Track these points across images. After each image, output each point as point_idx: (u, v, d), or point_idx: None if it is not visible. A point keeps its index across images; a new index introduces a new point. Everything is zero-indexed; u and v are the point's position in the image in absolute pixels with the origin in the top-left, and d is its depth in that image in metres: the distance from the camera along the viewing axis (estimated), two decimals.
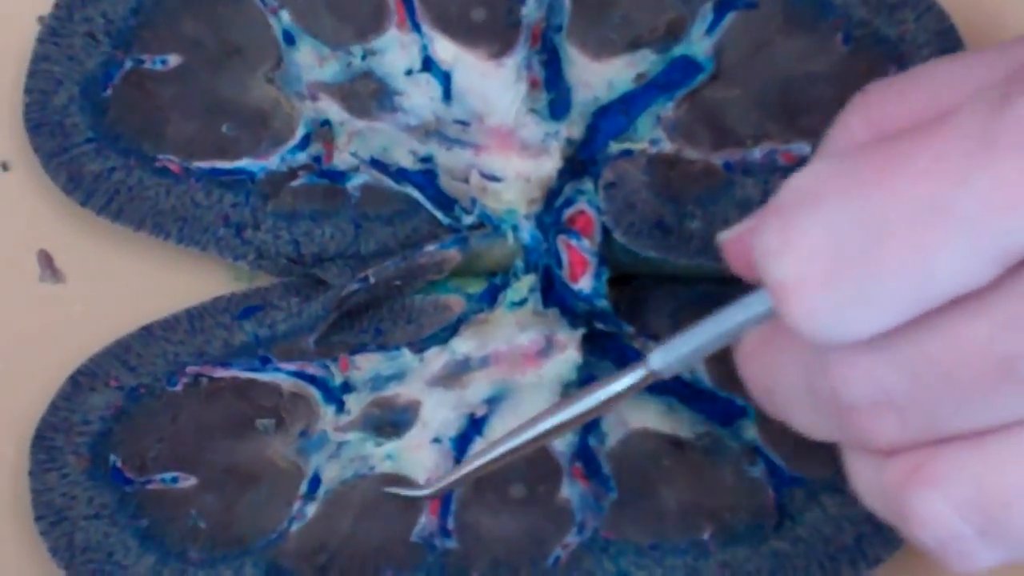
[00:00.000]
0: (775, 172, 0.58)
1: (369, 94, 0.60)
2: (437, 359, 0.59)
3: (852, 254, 0.39)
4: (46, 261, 0.62)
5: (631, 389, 0.49)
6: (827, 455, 0.56)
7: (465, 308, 0.60)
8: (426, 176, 0.60)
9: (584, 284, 0.59)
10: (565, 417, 0.50)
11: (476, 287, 0.60)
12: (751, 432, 0.58)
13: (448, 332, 0.59)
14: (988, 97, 0.38)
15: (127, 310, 0.61)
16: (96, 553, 0.57)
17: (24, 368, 0.61)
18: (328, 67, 0.60)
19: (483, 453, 0.52)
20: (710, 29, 0.59)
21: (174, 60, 0.61)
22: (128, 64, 0.61)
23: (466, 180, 0.59)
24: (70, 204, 0.61)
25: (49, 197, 0.62)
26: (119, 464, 0.58)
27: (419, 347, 0.59)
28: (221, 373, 0.59)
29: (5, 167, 0.63)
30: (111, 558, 0.57)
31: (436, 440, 0.58)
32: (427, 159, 0.60)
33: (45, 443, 0.58)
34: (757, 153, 0.59)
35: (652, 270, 0.59)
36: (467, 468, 0.53)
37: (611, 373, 0.50)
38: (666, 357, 0.48)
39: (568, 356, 0.58)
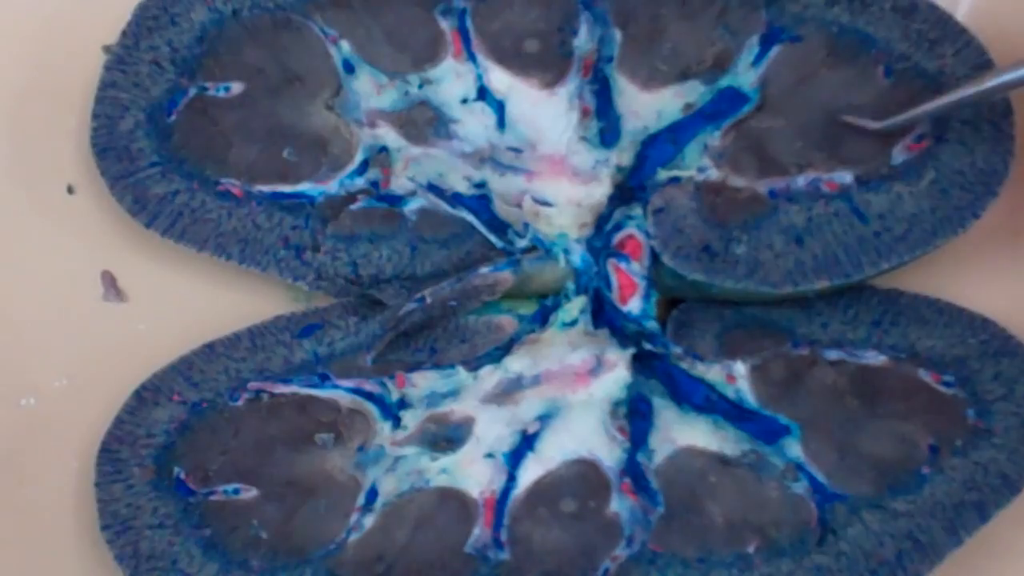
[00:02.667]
0: (818, 199, 0.60)
1: (425, 121, 0.62)
2: (491, 377, 0.60)
3: None
4: (109, 281, 0.64)
5: None
6: (868, 473, 0.58)
7: (518, 328, 0.61)
8: (480, 201, 0.61)
9: (633, 306, 0.61)
10: None
11: (528, 308, 0.62)
12: (794, 450, 0.59)
13: (501, 351, 0.61)
14: None
15: (188, 329, 0.62)
16: (161, 561, 0.58)
17: (88, 384, 0.62)
18: (386, 95, 0.62)
19: None
20: (756, 61, 0.61)
21: (237, 87, 0.62)
22: (192, 91, 0.62)
23: (519, 205, 0.61)
24: (133, 226, 0.62)
25: (112, 219, 0.64)
26: (183, 476, 0.59)
27: (473, 365, 0.60)
28: (282, 389, 0.60)
29: (71, 190, 0.65)
30: (175, 566, 0.58)
31: (489, 455, 0.59)
32: (481, 184, 0.61)
33: (111, 455, 0.59)
34: (801, 181, 0.60)
35: (699, 293, 0.61)
36: None
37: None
38: None
39: (618, 375, 0.60)
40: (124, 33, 0.62)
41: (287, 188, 0.61)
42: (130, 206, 0.61)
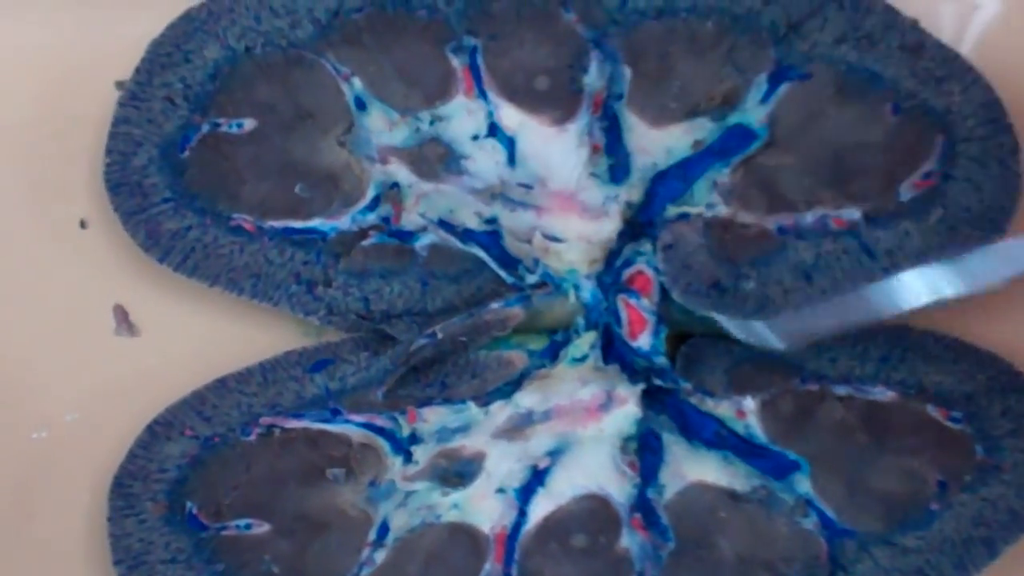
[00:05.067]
0: (826, 236, 0.60)
1: (437, 158, 0.62)
2: (501, 412, 0.61)
3: None
4: (121, 316, 0.64)
5: None
6: (877, 509, 0.58)
7: (528, 364, 0.61)
8: (491, 237, 0.62)
9: (643, 341, 0.61)
10: None
11: (538, 344, 0.62)
12: (804, 486, 0.59)
13: (512, 387, 0.61)
14: None
15: (200, 364, 0.62)
16: None
17: (100, 418, 0.63)
18: (397, 132, 0.62)
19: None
20: (765, 99, 0.61)
21: (249, 124, 0.63)
22: (205, 127, 0.63)
23: (529, 241, 0.61)
24: (145, 261, 0.62)
25: (125, 254, 0.64)
26: (195, 511, 0.59)
27: (484, 401, 0.61)
28: (293, 424, 0.60)
29: (83, 224, 0.65)
30: None
31: (500, 490, 0.59)
32: (492, 220, 0.62)
33: (123, 490, 0.60)
34: (809, 218, 0.61)
35: (708, 328, 0.61)
36: None
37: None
38: None
39: (628, 410, 0.60)
40: (138, 70, 0.62)
41: (299, 224, 0.62)
42: (143, 241, 0.61)
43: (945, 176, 0.60)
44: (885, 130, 0.61)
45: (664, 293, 0.60)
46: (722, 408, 0.60)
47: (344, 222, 0.62)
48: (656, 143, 0.61)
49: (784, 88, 0.61)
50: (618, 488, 0.59)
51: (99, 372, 0.63)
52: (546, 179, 0.61)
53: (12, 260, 0.64)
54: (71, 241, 0.64)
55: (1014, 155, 0.60)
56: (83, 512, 0.61)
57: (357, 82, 0.62)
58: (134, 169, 0.62)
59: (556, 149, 0.61)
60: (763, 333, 0.49)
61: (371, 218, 0.62)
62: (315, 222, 0.62)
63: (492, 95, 0.61)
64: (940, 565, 0.57)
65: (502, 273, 0.62)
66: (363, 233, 0.62)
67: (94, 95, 0.64)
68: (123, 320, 0.64)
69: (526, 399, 0.60)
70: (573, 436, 0.60)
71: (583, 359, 0.61)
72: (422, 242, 0.62)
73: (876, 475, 0.59)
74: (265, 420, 0.60)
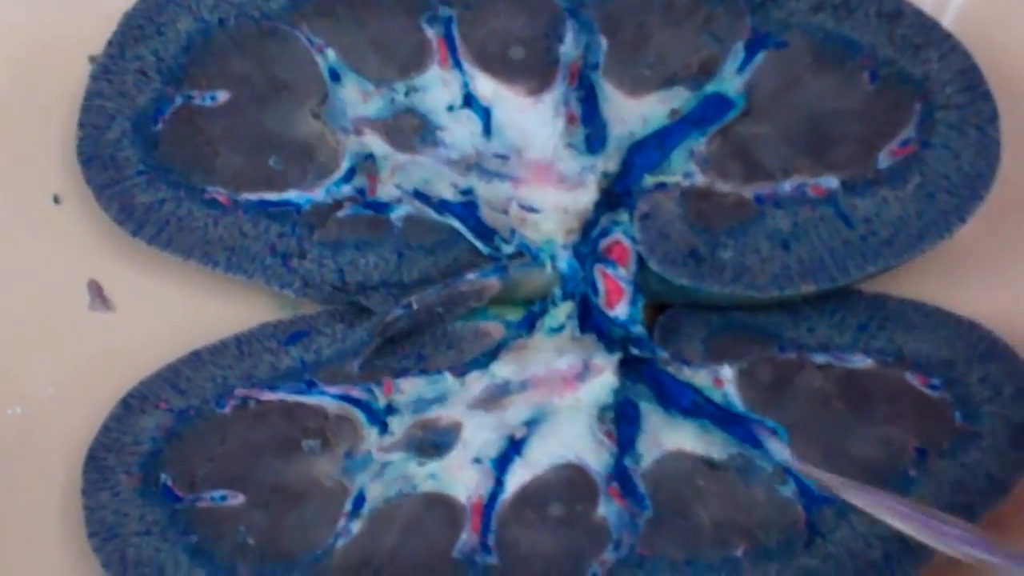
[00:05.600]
0: (804, 204, 0.60)
1: (412, 129, 0.62)
2: (478, 383, 0.60)
3: None
4: (96, 290, 0.64)
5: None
6: (856, 476, 0.58)
7: (505, 334, 0.61)
8: (467, 208, 0.61)
9: (620, 311, 0.61)
10: None
11: (515, 314, 0.62)
12: (782, 453, 0.59)
13: (488, 357, 0.61)
14: None
15: (175, 337, 0.62)
16: (147, 568, 0.58)
17: (75, 393, 0.62)
18: (372, 103, 0.62)
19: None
20: (741, 67, 0.61)
21: (223, 96, 0.62)
22: (178, 100, 0.62)
23: (505, 212, 0.61)
24: (119, 235, 0.62)
25: (98, 229, 0.63)
26: (169, 483, 0.59)
27: (460, 371, 0.60)
28: (268, 396, 0.60)
29: (57, 200, 0.64)
30: (162, 572, 0.58)
31: (477, 460, 0.59)
32: (468, 191, 0.61)
33: (98, 463, 0.59)
34: (787, 186, 0.60)
35: (685, 298, 0.61)
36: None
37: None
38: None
39: (605, 380, 0.60)
40: (110, 43, 0.62)
41: (273, 196, 0.61)
42: (116, 215, 0.61)
43: (923, 143, 0.60)
44: (863, 97, 0.60)
45: (641, 263, 0.60)
46: (699, 377, 0.60)
47: (319, 194, 0.61)
48: (633, 112, 0.61)
49: (761, 56, 0.61)
50: (595, 457, 0.59)
51: (74, 347, 0.63)
52: (522, 149, 0.61)
53: None
54: (44, 216, 0.64)
55: (992, 122, 0.60)
56: (59, 486, 0.61)
57: (331, 53, 0.62)
58: (107, 142, 0.62)
59: (532, 119, 0.61)
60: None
61: (346, 190, 0.62)
62: (290, 194, 0.62)
63: (467, 65, 0.61)
64: None
65: (478, 244, 0.61)
66: (338, 205, 0.61)
67: (67, 70, 0.64)
68: (98, 295, 0.64)
69: (503, 369, 0.60)
70: (550, 406, 0.59)
71: (560, 329, 0.61)
72: (397, 213, 0.61)
73: (854, 442, 0.59)
74: (240, 392, 0.60)
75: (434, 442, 0.59)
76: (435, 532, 0.58)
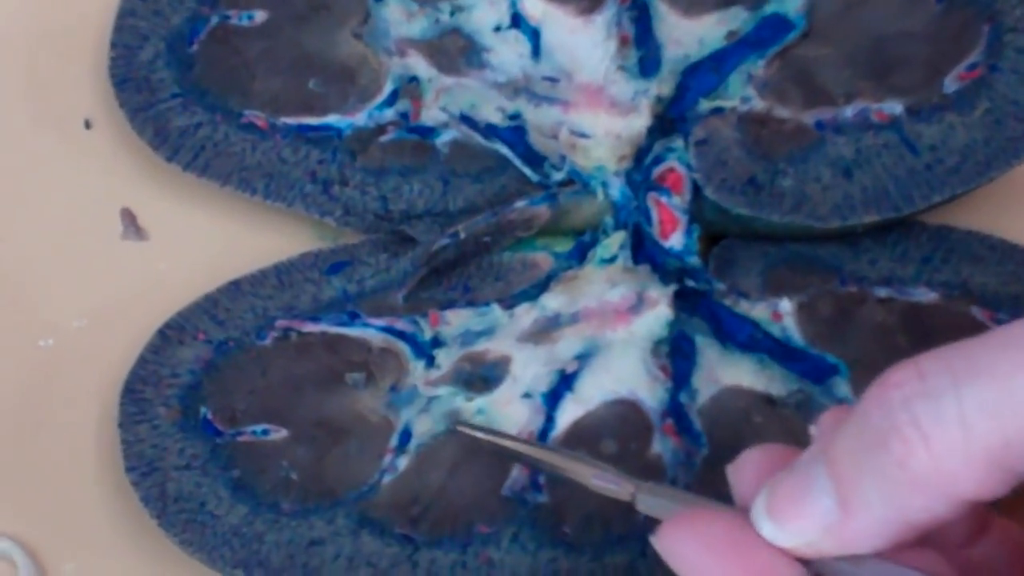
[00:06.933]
0: (867, 131, 0.58)
1: (457, 50, 0.60)
2: (527, 315, 0.58)
3: None
4: (129, 219, 0.62)
5: (603, 491, 0.48)
6: None
7: (554, 265, 0.60)
8: (515, 133, 0.60)
9: (675, 241, 0.59)
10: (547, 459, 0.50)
11: (565, 245, 0.60)
12: (843, 389, 0.57)
13: (537, 289, 0.59)
14: None
15: (211, 267, 0.60)
16: (188, 503, 0.56)
17: (108, 325, 0.61)
18: (416, 23, 0.60)
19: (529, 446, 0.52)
20: None
21: (260, 15, 0.61)
22: (214, 19, 0.61)
23: (555, 137, 0.59)
24: (153, 160, 0.60)
25: (132, 154, 0.62)
26: (209, 416, 0.57)
27: (508, 303, 0.59)
28: (310, 328, 0.58)
29: (88, 125, 0.63)
30: (203, 508, 0.56)
31: (527, 395, 0.57)
32: (516, 116, 0.60)
33: (135, 396, 0.58)
34: (849, 112, 0.58)
35: (742, 228, 0.59)
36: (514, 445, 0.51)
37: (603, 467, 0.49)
38: (650, 504, 0.48)
39: (659, 312, 0.58)
40: None
41: (313, 120, 0.60)
42: (151, 139, 0.60)
43: (992, 67, 0.58)
44: (929, 19, 0.59)
45: (697, 191, 0.58)
46: (757, 310, 0.58)
47: (360, 118, 0.60)
48: (688, 34, 0.60)
49: None
50: (649, 393, 0.57)
51: (106, 278, 0.61)
52: (572, 72, 0.60)
53: (14, 163, 0.63)
54: (76, 142, 0.63)
55: None
56: (93, 421, 0.59)
57: None
58: (140, 64, 0.60)
59: (582, 41, 0.60)
60: None
61: (389, 114, 0.60)
62: (330, 118, 0.60)
63: None
64: None
65: (527, 171, 0.60)
66: (381, 129, 0.60)
67: None
68: (131, 223, 0.62)
69: (553, 301, 0.58)
70: (602, 339, 0.58)
71: (612, 260, 0.59)
72: (443, 138, 0.60)
73: None
74: (281, 323, 0.58)
75: (482, 376, 0.57)
76: (484, 470, 0.56)
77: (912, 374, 0.41)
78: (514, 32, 0.60)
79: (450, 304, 0.59)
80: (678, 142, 0.59)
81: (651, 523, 0.46)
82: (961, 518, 0.42)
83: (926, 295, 0.58)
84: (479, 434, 0.51)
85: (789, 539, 0.43)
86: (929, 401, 0.40)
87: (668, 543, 0.44)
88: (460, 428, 0.51)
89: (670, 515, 0.45)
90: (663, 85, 0.59)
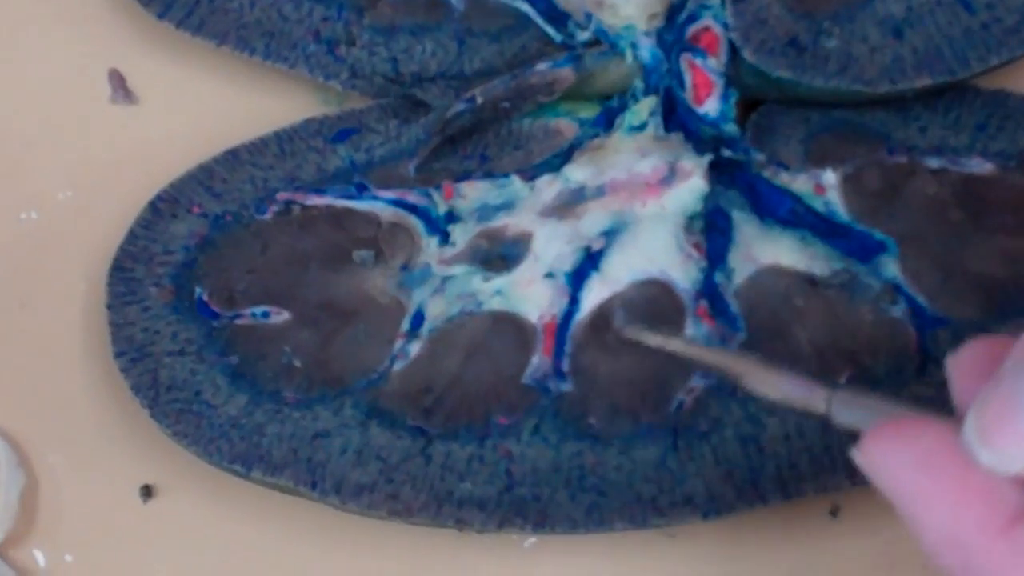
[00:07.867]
0: None
1: None
2: (549, 188, 0.56)
3: None
4: (118, 81, 0.60)
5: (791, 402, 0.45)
6: (976, 295, 0.54)
7: (578, 133, 0.57)
8: None
9: (709, 107, 0.56)
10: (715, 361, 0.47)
11: (590, 111, 0.57)
12: (891, 269, 0.54)
13: (560, 159, 0.56)
14: None
15: (207, 135, 0.58)
16: (182, 392, 0.54)
17: (96, 196, 0.58)
18: None
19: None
20: None
21: None
22: None
23: None
24: (144, 18, 0.58)
25: (121, 11, 0.60)
26: (205, 297, 0.55)
27: (529, 174, 0.56)
28: (314, 200, 0.56)
29: None
30: (199, 397, 0.54)
31: (549, 275, 0.55)
32: None
33: (124, 274, 0.55)
34: None
35: (783, 93, 0.56)
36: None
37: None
38: (848, 416, 0.43)
39: (693, 185, 0.55)
40: None
41: None
42: None
43: None
44: None
45: (734, 52, 0.55)
46: (799, 182, 0.55)
47: None
48: None
49: None
50: (682, 272, 0.54)
51: (94, 145, 0.59)
52: None
53: None
54: None
55: None
56: (79, 300, 0.57)
57: None
58: None
59: None
60: None
61: None
62: None
63: None
64: None
65: (549, 30, 0.57)
66: None
67: None
68: (119, 86, 0.60)
69: (577, 172, 0.56)
70: (631, 214, 0.55)
71: (641, 127, 0.56)
72: None
73: (973, 256, 0.54)
74: (282, 196, 0.56)
75: (501, 254, 0.55)
76: (503, 355, 0.54)
77: None
78: None
79: (466, 175, 0.56)
80: None
81: (848, 437, 0.41)
82: None
83: (981, 165, 0.55)
84: (648, 339, 0.49)
85: (1009, 464, 0.38)
86: None
87: (874, 458, 0.39)
88: (628, 332, 0.50)
89: (870, 426, 0.40)
90: None
